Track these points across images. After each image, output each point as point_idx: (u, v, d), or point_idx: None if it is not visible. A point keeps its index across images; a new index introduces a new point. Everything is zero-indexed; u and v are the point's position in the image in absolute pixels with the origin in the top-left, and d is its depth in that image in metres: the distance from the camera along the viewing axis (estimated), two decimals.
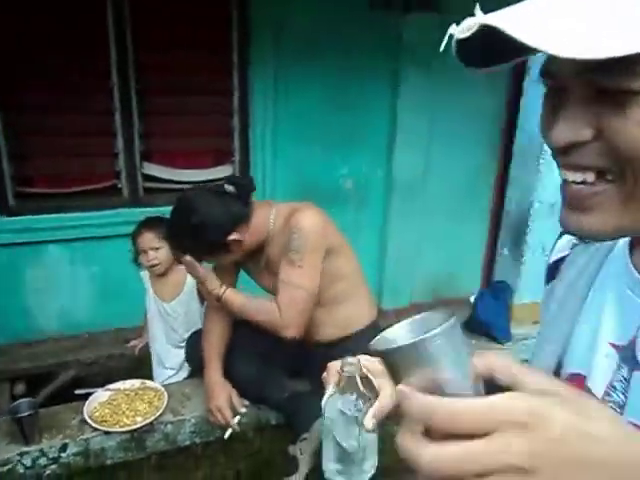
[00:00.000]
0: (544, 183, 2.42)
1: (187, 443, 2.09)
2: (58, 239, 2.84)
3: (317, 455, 1.97)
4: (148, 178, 3.01)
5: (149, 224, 2.32)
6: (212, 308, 2.05)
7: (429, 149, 3.36)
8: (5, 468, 1.85)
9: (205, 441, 2.13)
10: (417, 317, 0.46)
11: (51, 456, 1.91)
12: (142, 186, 2.99)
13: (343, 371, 0.62)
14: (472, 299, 2.79)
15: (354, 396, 0.63)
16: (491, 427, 0.33)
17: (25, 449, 1.88)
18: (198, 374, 2.38)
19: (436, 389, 0.37)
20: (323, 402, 0.63)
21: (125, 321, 2.80)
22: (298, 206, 1.86)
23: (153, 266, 2.32)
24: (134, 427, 1.96)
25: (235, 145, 3.12)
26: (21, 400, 1.94)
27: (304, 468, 1.93)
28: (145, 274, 2.43)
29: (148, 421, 1.98)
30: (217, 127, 3.10)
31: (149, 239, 2.28)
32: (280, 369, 2.13)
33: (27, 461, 1.88)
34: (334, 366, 0.65)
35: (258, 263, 1.98)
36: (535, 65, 2.34)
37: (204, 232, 1.73)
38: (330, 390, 0.63)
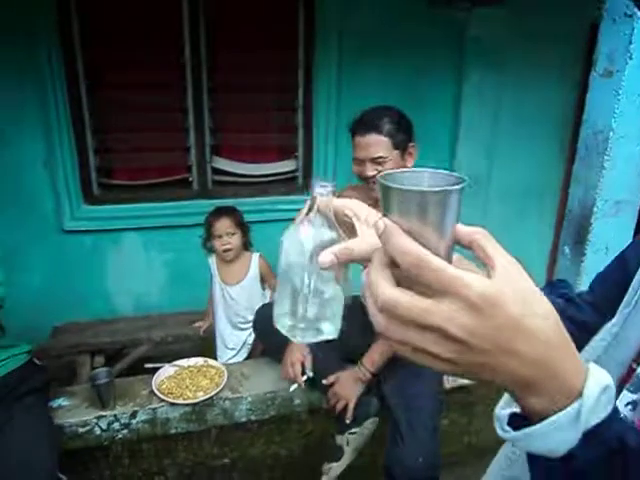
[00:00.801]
0: (608, 180, 2.33)
1: (243, 420, 2.22)
2: (135, 227, 3.07)
3: (360, 451, 2.04)
4: (217, 171, 3.18)
5: (226, 210, 2.46)
6: None
7: (493, 145, 3.31)
8: (85, 429, 2.06)
9: (260, 419, 2.25)
10: (421, 170, 0.43)
11: (123, 421, 2.10)
12: (211, 179, 3.17)
13: (314, 192, 0.51)
14: None
15: (323, 228, 0.51)
16: (447, 292, 0.36)
17: (102, 413, 2.07)
18: (257, 355, 2.53)
19: (415, 239, 0.38)
20: (286, 232, 0.53)
21: (192, 304, 2.97)
22: None
23: (226, 250, 2.45)
24: (196, 401, 2.11)
25: (299, 140, 3.22)
26: (99, 369, 2.15)
27: (346, 460, 2.00)
28: (213, 259, 2.58)
29: (208, 396, 2.12)
30: (282, 123, 3.22)
31: (226, 224, 2.43)
32: (343, 359, 2.13)
33: (103, 424, 2.08)
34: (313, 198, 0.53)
35: None
36: (602, 58, 2.26)
37: (411, 126, 2.08)
38: (297, 219, 0.53)
